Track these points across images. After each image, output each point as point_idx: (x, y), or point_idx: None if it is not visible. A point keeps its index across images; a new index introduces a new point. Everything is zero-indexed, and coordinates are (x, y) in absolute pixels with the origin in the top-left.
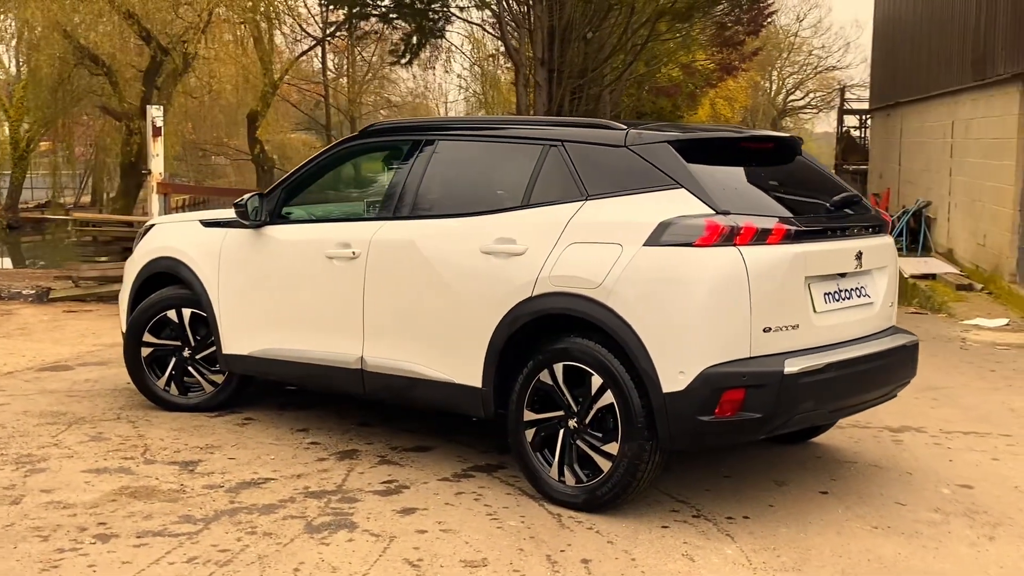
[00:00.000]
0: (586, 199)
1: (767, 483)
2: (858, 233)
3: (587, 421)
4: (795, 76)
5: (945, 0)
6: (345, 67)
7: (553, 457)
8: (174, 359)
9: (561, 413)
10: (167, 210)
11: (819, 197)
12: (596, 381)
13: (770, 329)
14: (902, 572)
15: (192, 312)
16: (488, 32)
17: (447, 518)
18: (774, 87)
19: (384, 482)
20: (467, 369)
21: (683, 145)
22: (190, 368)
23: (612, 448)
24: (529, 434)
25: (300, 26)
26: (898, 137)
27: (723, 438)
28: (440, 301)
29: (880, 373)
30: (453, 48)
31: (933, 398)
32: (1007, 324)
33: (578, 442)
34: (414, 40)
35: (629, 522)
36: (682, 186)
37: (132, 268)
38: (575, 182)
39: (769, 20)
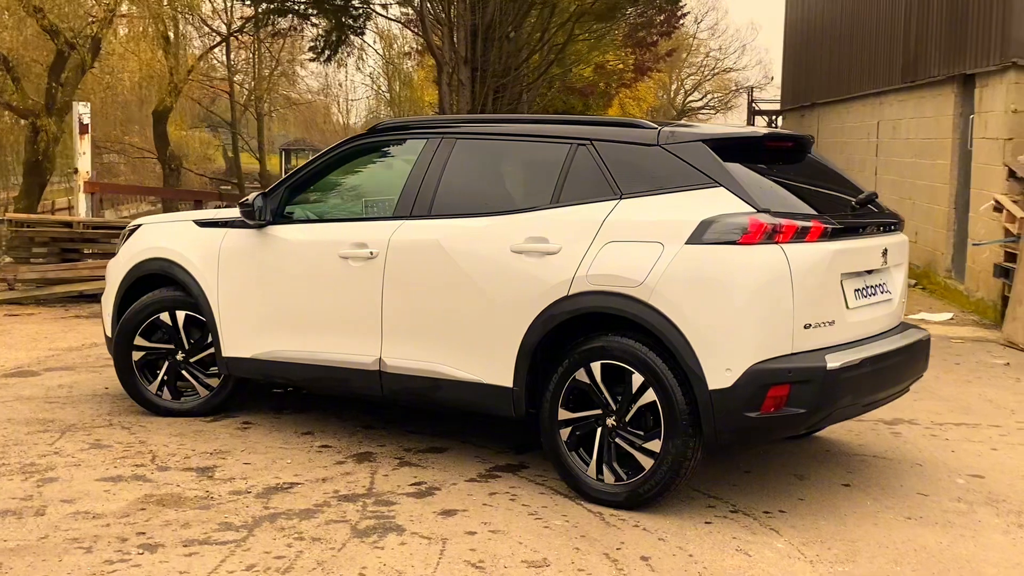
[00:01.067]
0: (620, 198)
1: (788, 477)
2: (883, 230)
3: (627, 419)
4: (693, 77)
5: (869, 4)
6: (252, 63)
7: (589, 456)
8: (167, 363)
9: (598, 412)
10: (94, 211)
11: (841, 195)
12: (637, 379)
13: (810, 325)
14: (949, 561)
15: (187, 315)
16: (411, 30)
17: (491, 519)
18: (674, 88)
19: (413, 484)
20: (496, 369)
21: (716, 144)
22: (184, 372)
23: (654, 446)
24: (564, 433)
25: (206, 23)
26: (816, 137)
27: (767, 434)
28: (467, 301)
29: (903, 368)
30: (366, 45)
31: (913, 391)
32: (951, 318)
33: (617, 440)
34: (334, 37)
35: (671, 519)
36: (720, 184)
37: (117, 270)
38: (607, 181)
39: (681, 22)
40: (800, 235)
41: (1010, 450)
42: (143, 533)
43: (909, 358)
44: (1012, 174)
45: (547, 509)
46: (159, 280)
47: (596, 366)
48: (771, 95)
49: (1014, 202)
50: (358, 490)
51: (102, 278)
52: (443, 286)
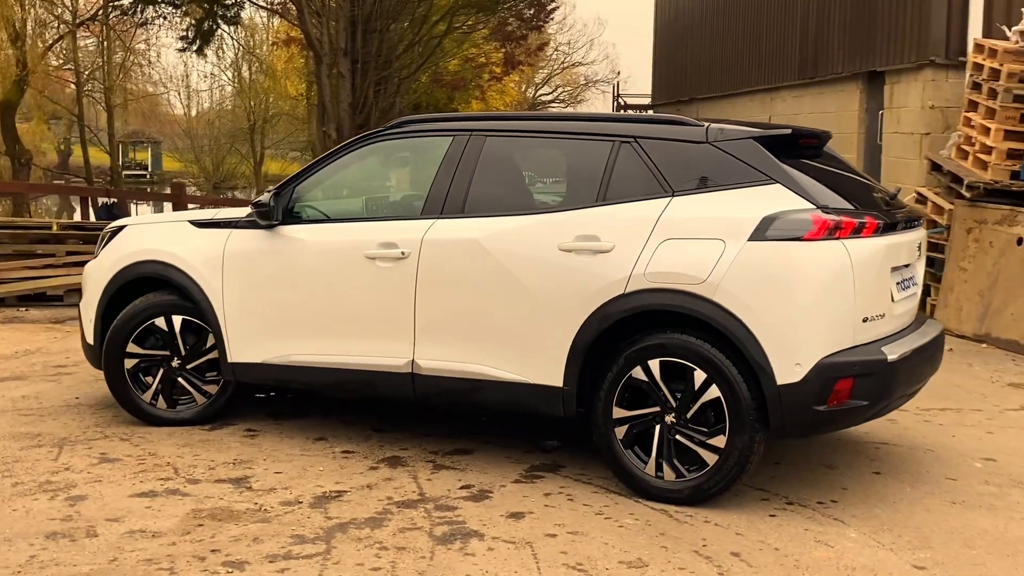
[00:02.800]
0: (672, 195)
1: (820, 468)
2: (915, 225)
3: (688, 416)
4: (543, 71)
5: (754, 3)
6: (102, 54)
7: (645, 453)
8: (162, 370)
9: (656, 409)
10: None
11: (869, 189)
12: (699, 376)
13: (867, 319)
14: (1016, 543)
15: (183, 319)
16: (288, 20)
17: (562, 520)
18: (527, 82)
19: (462, 488)
20: (545, 368)
21: (764, 141)
22: (180, 379)
23: (719, 441)
24: (620, 432)
25: (52, 14)
26: None
27: (831, 427)
28: (513, 301)
29: (935, 359)
30: (225, 34)
31: None
32: None
33: (677, 437)
34: (206, 26)
35: (736, 513)
36: (777, 181)
37: (100, 275)
38: (656, 178)
39: (551, 17)
40: (857, 231)
41: (1004, 433)
42: (218, 551)
43: (937, 350)
44: (935, 167)
45: (610, 508)
46: (150, 284)
47: (655, 364)
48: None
49: (936, 193)
50: (410, 496)
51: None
52: (484, 285)
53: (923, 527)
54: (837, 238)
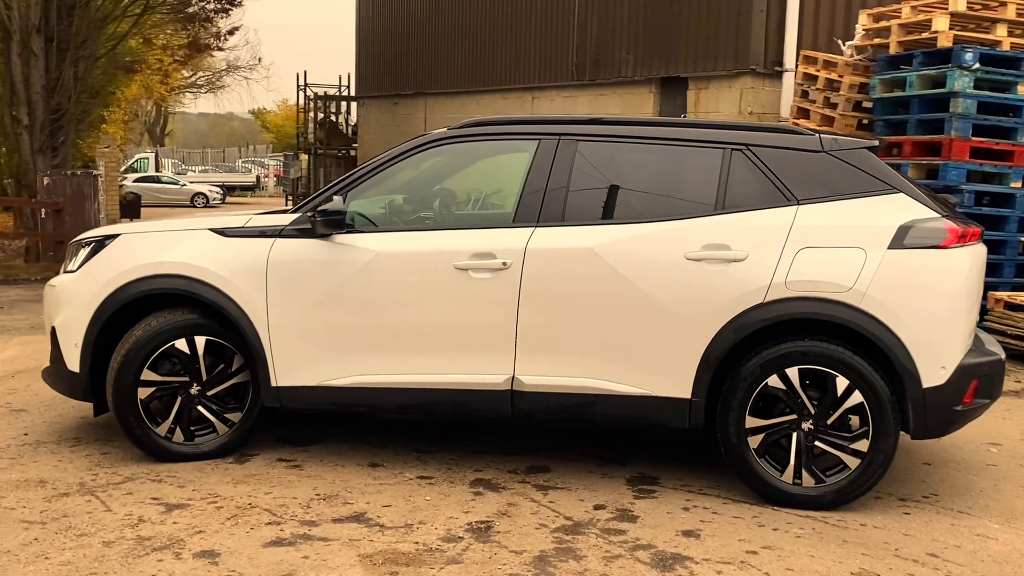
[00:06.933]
0: (798, 204)
1: (910, 462)
2: None
3: (828, 422)
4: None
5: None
6: None
7: (778, 461)
8: (179, 399)
9: (793, 417)
10: None
11: (944, 199)
12: (841, 383)
13: (976, 322)
14: None
15: (207, 340)
16: None
17: (740, 536)
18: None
19: (597, 508)
20: (671, 380)
21: (874, 150)
22: (200, 408)
23: (861, 445)
24: (753, 441)
25: None
26: (422, 127)
27: (959, 426)
28: (634, 312)
29: None
30: None
31: None
32: None
33: (816, 443)
34: None
35: (879, 514)
36: (899, 190)
37: (87, 293)
38: (776, 187)
39: (241, 2)
40: (971, 238)
41: (989, 417)
42: None
43: None
44: None
45: (761, 518)
46: (159, 302)
47: (793, 371)
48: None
49: None
50: (561, 523)
51: None
52: (601, 296)
53: None
54: (963, 245)
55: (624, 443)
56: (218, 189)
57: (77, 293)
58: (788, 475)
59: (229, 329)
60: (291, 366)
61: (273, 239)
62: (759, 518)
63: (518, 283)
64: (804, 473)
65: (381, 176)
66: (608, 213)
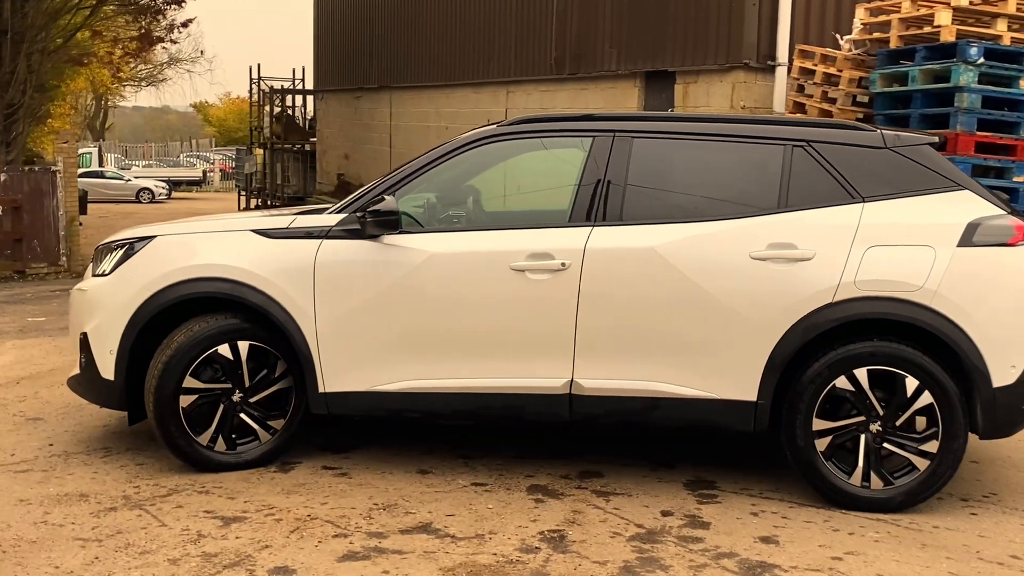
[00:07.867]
0: (864, 201)
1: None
2: None
3: (897, 424)
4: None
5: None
6: None
7: (845, 463)
8: (222, 406)
9: (861, 418)
10: None
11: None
12: (911, 383)
13: None
14: None
15: (250, 345)
16: None
17: (820, 542)
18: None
19: (664, 514)
20: (735, 382)
21: (936, 147)
22: (243, 416)
23: (931, 447)
24: (821, 444)
25: None
26: (387, 121)
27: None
28: (699, 313)
29: None
30: None
31: None
32: None
33: (885, 445)
34: None
35: (939, 515)
36: (964, 187)
37: (123, 296)
38: (840, 184)
39: None
40: None
41: None
42: None
43: None
44: None
45: (833, 522)
46: (199, 306)
47: (862, 372)
48: (271, 71)
49: None
50: (631, 529)
51: None
52: (664, 297)
53: None
54: None
55: (669, 445)
56: (163, 184)
57: (112, 297)
58: (856, 478)
59: (272, 334)
60: (340, 371)
61: (320, 240)
62: (830, 522)
63: (577, 284)
64: (872, 475)
65: (430, 175)
66: (667, 212)
